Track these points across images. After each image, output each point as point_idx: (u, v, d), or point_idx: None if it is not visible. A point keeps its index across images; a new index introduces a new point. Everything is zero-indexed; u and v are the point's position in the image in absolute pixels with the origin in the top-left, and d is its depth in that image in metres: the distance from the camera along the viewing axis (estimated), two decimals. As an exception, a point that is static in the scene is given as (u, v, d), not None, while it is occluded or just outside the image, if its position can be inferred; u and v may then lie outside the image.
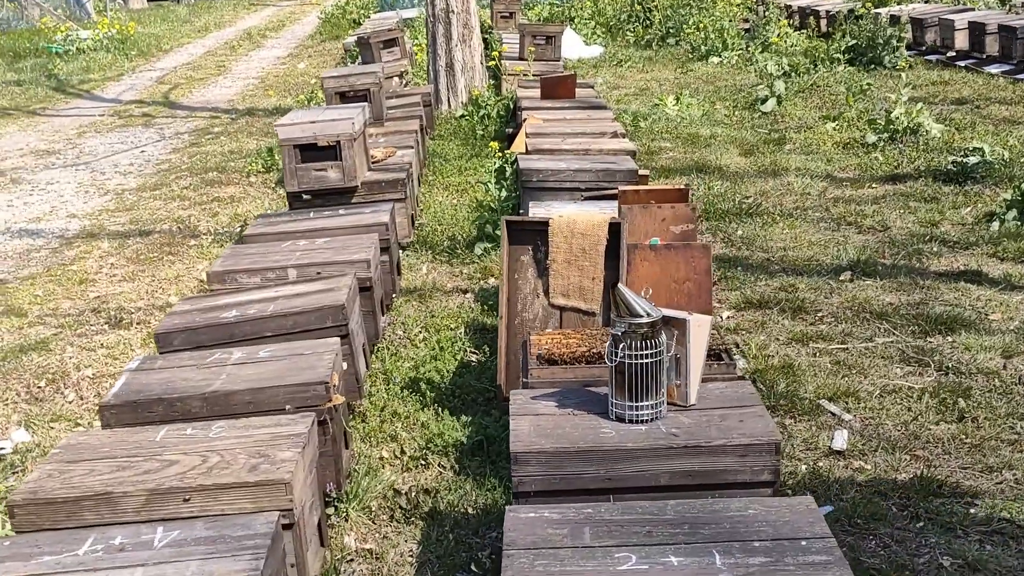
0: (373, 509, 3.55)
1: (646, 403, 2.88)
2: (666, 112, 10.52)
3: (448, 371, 4.58)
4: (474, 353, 4.82)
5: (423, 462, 3.87)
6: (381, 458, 3.91)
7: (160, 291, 6.14)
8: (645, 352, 2.83)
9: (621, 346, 2.83)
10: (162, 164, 9.86)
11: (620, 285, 2.85)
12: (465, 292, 5.78)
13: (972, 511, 3.37)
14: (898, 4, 15.90)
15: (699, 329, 2.96)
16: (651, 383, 2.86)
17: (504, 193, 6.91)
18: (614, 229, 3.87)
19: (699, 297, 3.91)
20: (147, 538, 2.45)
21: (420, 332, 5.13)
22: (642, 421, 2.88)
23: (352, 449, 3.80)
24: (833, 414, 4.10)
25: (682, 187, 4.80)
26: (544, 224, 3.94)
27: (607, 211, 4.76)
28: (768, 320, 5.15)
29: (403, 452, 3.93)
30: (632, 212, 4.53)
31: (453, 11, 10.66)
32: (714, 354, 3.47)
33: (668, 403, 2.96)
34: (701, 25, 15.37)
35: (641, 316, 2.83)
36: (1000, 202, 6.51)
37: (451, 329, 5.11)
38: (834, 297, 5.39)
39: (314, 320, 3.89)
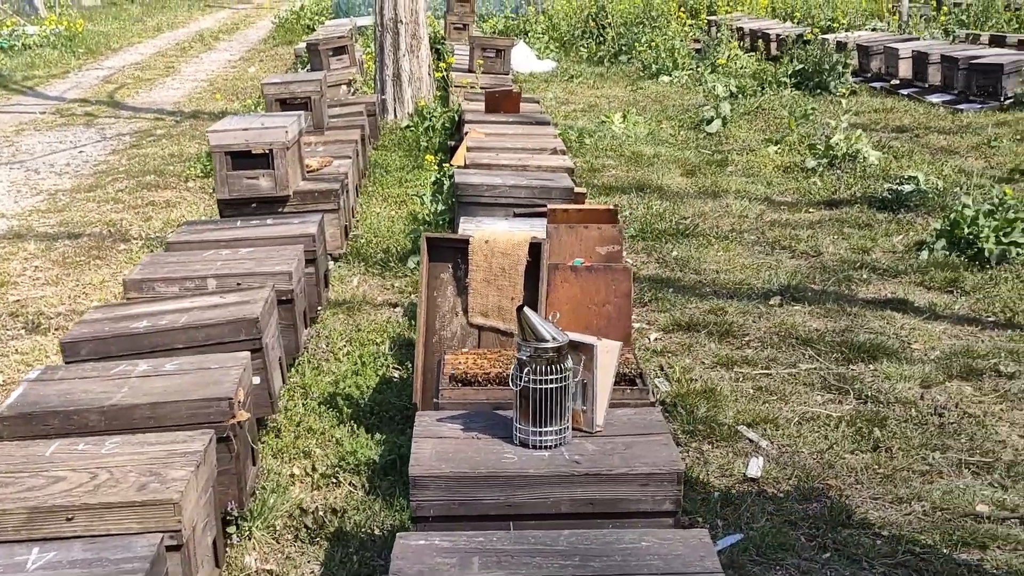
0: (278, 528, 3.48)
1: (550, 428, 2.84)
2: (612, 129, 10.53)
3: (368, 387, 4.52)
4: (397, 369, 4.76)
5: (334, 480, 3.80)
6: (291, 475, 3.84)
7: (83, 296, 6.02)
8: (550, 377, 2.80)
9: (526, 370, 2.79)
10: (100, 165, 9.70)
11: (526, 308, 2.81)
12: (395, 306, 5.72)
13: (879, 543, 3.37)
14: (845, 31, 16.09)
15: (607, 355, 2.93)
16: (556, 408, 2.82)
17: (440, 207, 6.86)
18: (535, 249, 3.83)
19: (619, 320, 3.88)
20: (20, 559, 2.37)
21: (344, 346, 5.07)
22: (546, 447, 2.84)
23: (260, 466, 3.73)
24: (751, 440, 4.09)
25: (611, 208, 4.79)
26: (465, 241, 3.90)
27: (537, 229, 4.72)
28: (695, 343, 5.14)
29: (314, 469, 3.86)
30: (559, 232, 4.51)
31: (402, 21, 10.61)
32: (628, 379, 3.45)
33: (574, 429, 2.92)
34: (653, 44, 15.44)
35: (547, 340, 2.79)
36: (930, 231, 6.57)
37: (376, 344, 5.05)
38: (762, 321, 5.40)
39: (227, 333, 3.81)
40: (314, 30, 18.87)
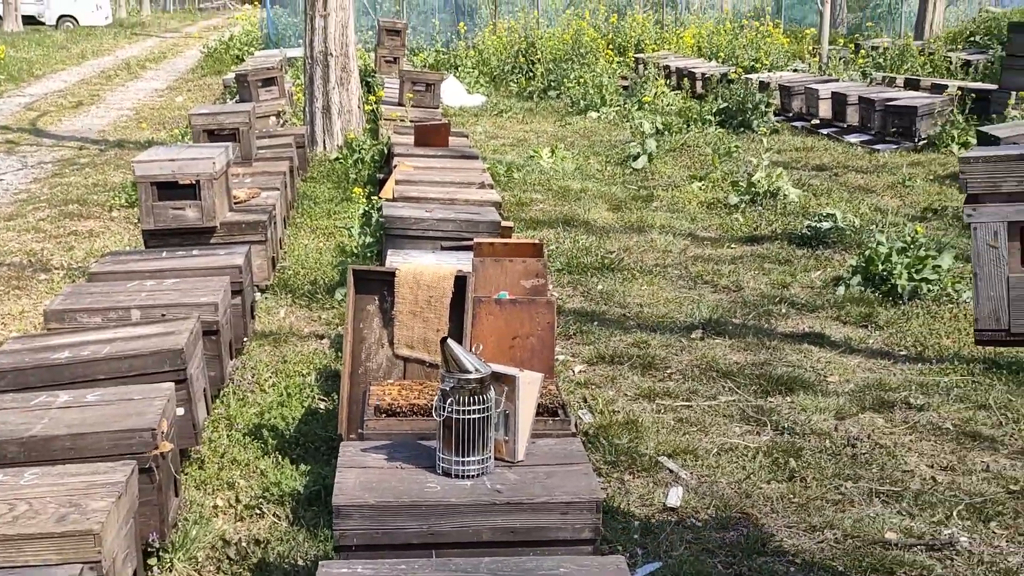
0: (200, 560, 3.47)
1: (473, 458, 2.88)
2: (541, 164, 10.67)
3: (294, 418, 4.53)
4: (323, 400, 4.77)
5: (258, 511, 3.80)
6: (215, 507, 3.83)
7: (2, 328, 5.93)
8: (473, 407, 2.85)
9: (449, 401, 2.84)
10: (20, 194, 9.57)
11: (449, 340, 2.87)
12: (321, 338, 5.73)
13: (792, 570, 3.46)
14: (768, 71, 16.47)
15: (528, 386, 2.99)
16: (478, 438, 2.88)
17: (369, 239, 6.90)
18: (461, 282, 3.89)
19: (542, 352, 3.95)
20: (-63, 590, 2.35)
21: (270, 377, 5.06)
22: (468, 476, 2.89)
23: (182, 497, 3.71)
24: (671, 471, 4.17)
25: (536, 242, 4.87)
26: (391, 274, 3.94)
27: (463, 262, 4.78)
28: (618, 375, 5.23)
29: (238, 500, 3.86)
30: (485, 265, 4.57)
31: (332, 54, 10.66)
32: (551, 410, 3.51)
33: (496, 459, 2.97)
34: (582, 80, 15.66)
35: (470, 372, 2.85)
36: (847, 268, 6.76)
37: (302, 375, 5.06)
38: (684, 354, 5.51)
39: (150, 364, 3.80)
40: (243, 60, 18.82)
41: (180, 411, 3.79)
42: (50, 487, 2.82)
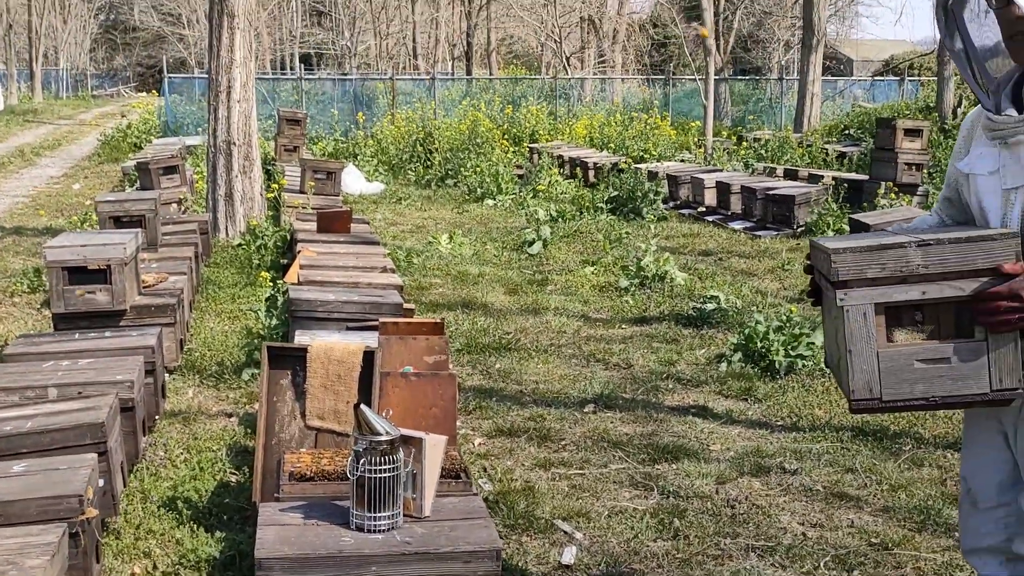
0: (121, 622, 3.64)
1: (384, 514, 3.16)
2: (439, 250, 11.04)
3: (207, 490, 4.72)
4: (234, 474, 4.97)
5: (175, 577, 3.99)
6: (133, 574, 4.00)
7: (-90, 409, 5.98)
8: (384, 467, 3.14)
9: (362, 461, 3.13)
10: (-81, 280, 9.55)
11: (362, 405, 3.16)
12: (230, 416, 5.93)
13: (676, 616, 3.79)
14: (657, 161, 17.24)
15: (434, 448, 3.29)
16: (389, 496, 3.16)
17: (275, 321, 7.13)
18: (368, 357, 4.18)
19: (445, 421, 4.25)
20: None
21: (181, 453, 5.25)
22: (380, 531, 3.16)
23: (103, 564, 3.89)
24: (565, 532, 4.48)
25: (437, 321, 5.19)
26: (303, 350, 4.22)
27: (368, 341, 5.07)
28: (516, 447, 5.54)
29: (155, 568, 4.04)
30: (390, 342, 4.87)
31: (235, 143, 10.94)
32: (454, 473, 3.80)
33: (405, 514, 3.25)
34: (478, 169, 16.18)
35: (380, 434, 3.14)
36: (729, 345, 7.22)
37: (212, 451, 5.25)
38: (578, 427, 5.85)
39: (72, 437, 3.99)
40: (142, 148, 18.95)
41: (101, 482, 3.98)
42: (-14, 548, 3.00)
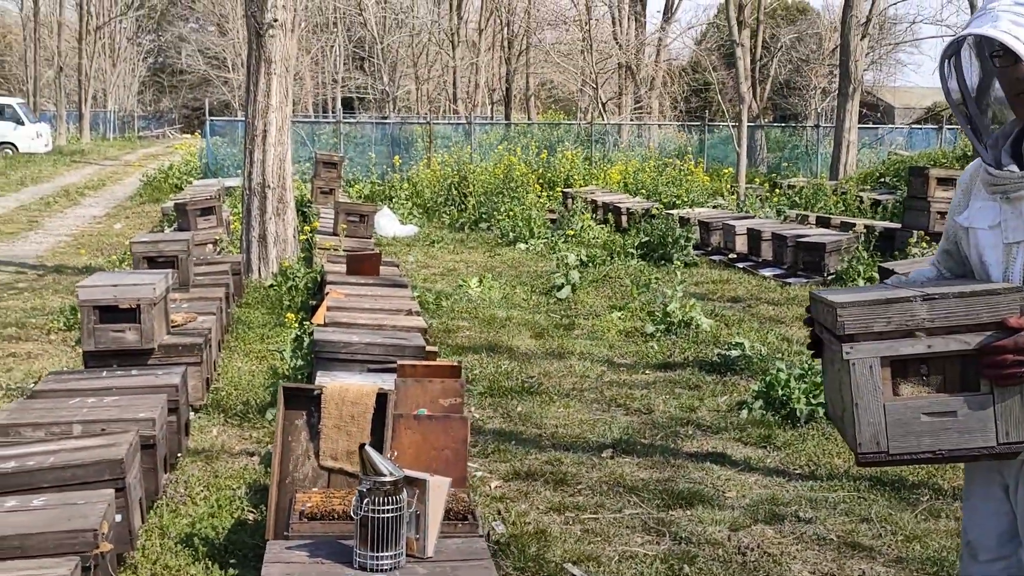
0: (132, 656, 3.72)
1: (387, 553, 3.22)
2: (469, 293, 11.14)
3: (224, 528, 4.81)
4: (251, 512, 5.06)
5: (188, 613, 4.07)
6: (147, 609, 4.09)
7: (-58, 443, 6.13)
8: (387, 507, 3.20)
9: (366, 501, 3.20)
10: (-41, 316, 9.79)
11: (366, 446, 3.23)
12: (252, 455, 6.02)
13: (679, 662, 3.80)
14: (689, 207, 17.29)
15: (437, 490, 3.35)
16: (392, 536, 3.22)
17: (300, 362, 7.24)
18: (381, 399, 4.27)
19: (455, 463, 4.32)
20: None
21: (201, 491, 5.34)
22: (382, 570, 3.22)
23: (118, 598, 3.98)
24: (573, 575, 4.52)
25: (455, 364, 5.27)
26: (319, 391, 4.31)
27: (387, 383, 5.16)
28: (532, 490, 5.59)
29: (169, 603, 4.12)
30: (406, 384, 4.96)
31: (269, 186, 11.14)
32: (461, 515, 3.86)
33: (408, 555, 3.31)
34: (511, 213, 16.32)
35: (384, 475, 3.21)
36: (751, 393, 7.24)
37: (232, 489, 5.34)
38: (594, 472, 5.89)
39: (92, 473, 4.10)
40: (182, 189, 19.29)
41: (118, 517, 4.08)
42: (0, 580, 3.10)
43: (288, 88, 11.32)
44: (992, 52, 2.44)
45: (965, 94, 2.59)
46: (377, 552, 3.22)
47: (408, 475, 3.31)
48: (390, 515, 3.20)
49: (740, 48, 18.11)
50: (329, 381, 5.23)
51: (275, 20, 10.89)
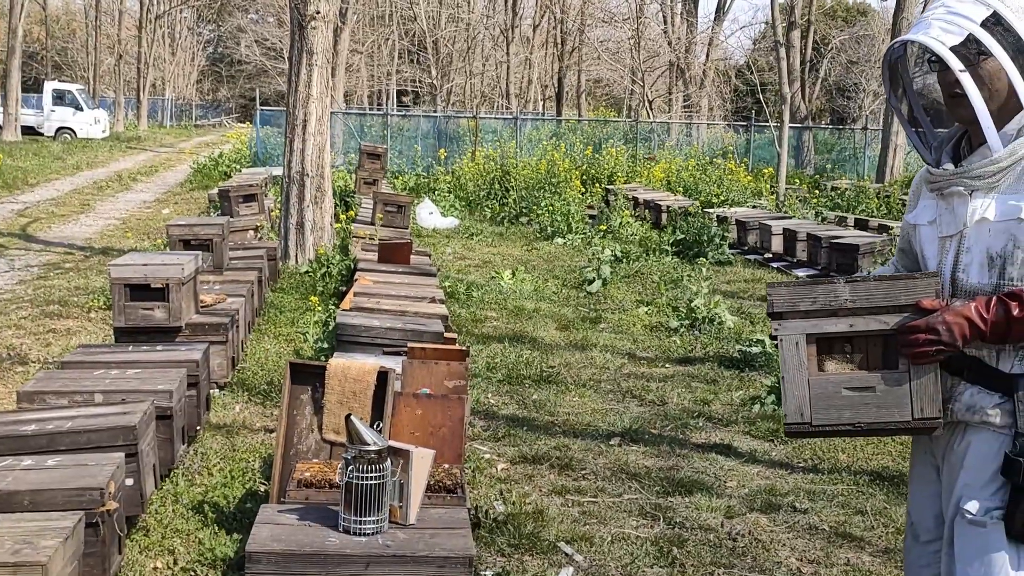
0: (136, 610, 3.94)
1: (369, 519, 3.41)
2: (501, 285, 11.31)
3: (235, 497, 5.02)
4: (263, 483, 5.27)
5: (192, 573, 4.28)
6: (155, 568, 4.31)
7: (-22, 410, 6.43)
8: (371, 475, 3.38)
9: (350, 468, 3.38)
10: (4, 294, 10.14)
11: (352, 416, 3.42)
12: (271, 431, 6.24)
13: (655, 637, 3.95)
14: (728, 206, 17.33)
15: (421, 461, 3.53)
16: (375, 502, 3.40)
17: (325, 345, 7.46)
18: (382, 377, 4.45)
19: (452, 441, 4.49)
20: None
21: (218, 463, 5.56)
22: (365, 534, 3.40)
23: (124, 556, 4.20)
24: (567, 554, 4.67)
25: (462, 348, 5.45)
26: (323, 367, 4.50)
27: (395, 363, 5.35)
28: (537, 474, 5.75)
29: (176, 564, 4.34)
30: (412, 366, 5.15)
31: (308, 174, 11.39)
32: (450, 488, 4.04)
33: (390, 521, 3.49)
34: (551, 207, 16.46)
35: (369, 444, 3.39)
36: (764, 387, 7.33)
37: (247, 462, 5.56)
38: (600, 458, 6.04)
39: (106, 438, 4.32)
40: (230, 176, 19.67)
41: (130, 481, 4.30)
42: (8, 529, 3.33)
43: (327, 80, 11.56)
44: (929, 57, 2.57)
45: (910, 96, 2.73)
46: (360, 516, 3.40)
47: (392, 445, 3.49)
48: (374, 482, 3.38)
49: (783, 48, 18.09)
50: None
51: (317, 12, 11.14)
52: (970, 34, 2.47)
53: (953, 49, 2.47)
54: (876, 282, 2.58)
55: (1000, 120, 2.53)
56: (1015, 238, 2.49)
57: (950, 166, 2.64)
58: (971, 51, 2.48)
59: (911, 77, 2.74)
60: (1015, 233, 2.49)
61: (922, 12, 2.78)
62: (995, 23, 2.48)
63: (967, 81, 2.47)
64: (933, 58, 2.54)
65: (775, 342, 2.68)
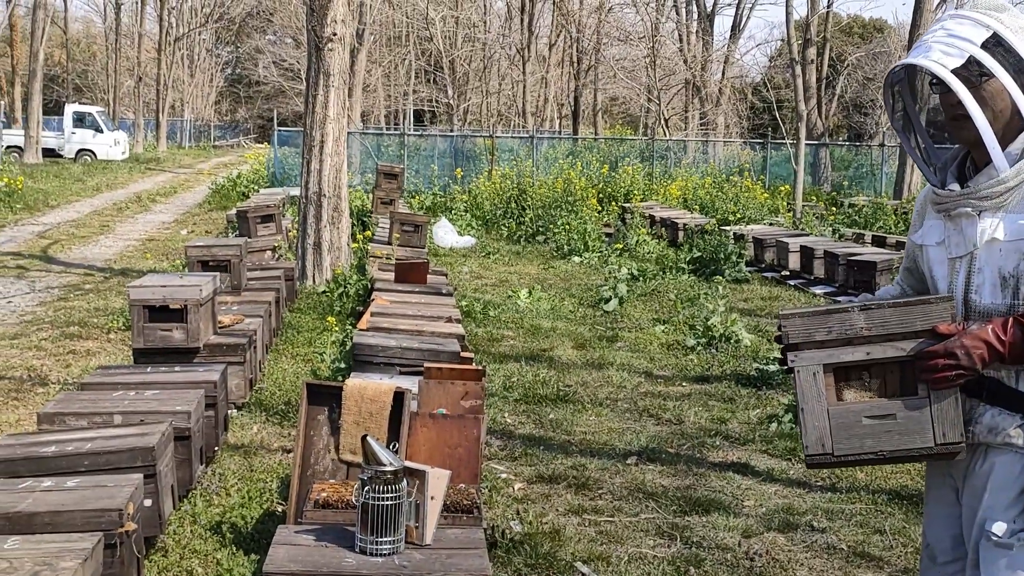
0: (154, 631, 3.96)
1: (386, 539, 3.42)
2: (518, 303, 11.34)
3: (253, 518, 5.04)
4: (280, 504, 5.29)
5: (210, 594, 4.30)
6: (173, 589, 4.34)
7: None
8: (387, 495, 3.40)
9: (367, 489, 3.40)
10: (26, 315, 10.23)
11: (368, 437, 3.43)
12: (289, 451, 6.26)
13: (672, 657, 3.94)
14: (745, 224, 17.31)
15: (437, 481, 3.54)
16: (391, 522, 3.42)
17: (342, 365, 7.49)
18: (399, 397, 4.47)
19: (468, 461, 4.51)
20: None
21: (236, 483, 5.59)
22: (381, 554, 3.42)
23: (144, 576, 4.22)
24: (583, 574, 4.67)
25: (478, 368, 5.46)
26: (340, 388, 4.53)
27: (411, 384, 5.36)
28: (554, 493, 5.75)
29: (194, 585, 4.36)
30: (429, 386, 5.16)
31: (325, 195, 11.46)
32: (467, 509, 4.05)
33: (407, 542, 3.51)
34: (568, 226, 16.49)
35: (385, 465, 3.41)
36: (782, 406, 7.32)
37: (264, 482, 5.59)
38: (617, 478, 6.03)
39: (124, 459, 4.35)
40: (248, 197, 19.78)
41: (148, 502, 4.33)
42: (28, 551, 3.35)
43: (344, 101, 11.64)
44: (931, 80, 2.59)
45: (913, 118, 2.73)
46: (377, 537, 3.41)
47: (408, 466, 3.51)
48: (390, 503, 3.40)
49: (799, 65, 18.10)
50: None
51: (334, 34, 11.22)
52: (971, 56, 2.49)
53: (955, 71, 2.48)
54: (891, 308, 2.57)
55: (1004, 140, 2.54)
56: None
57: (956, 187, 2.64)
58: (973, 73, 2.49)
59: (913, 100, 2.75)
60: None
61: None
62: (995, 44, 2.49)
63: (970, 103, 2.48)
64: (935, 80, 2.55)
65: (789, 373, 2.67)
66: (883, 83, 2.78)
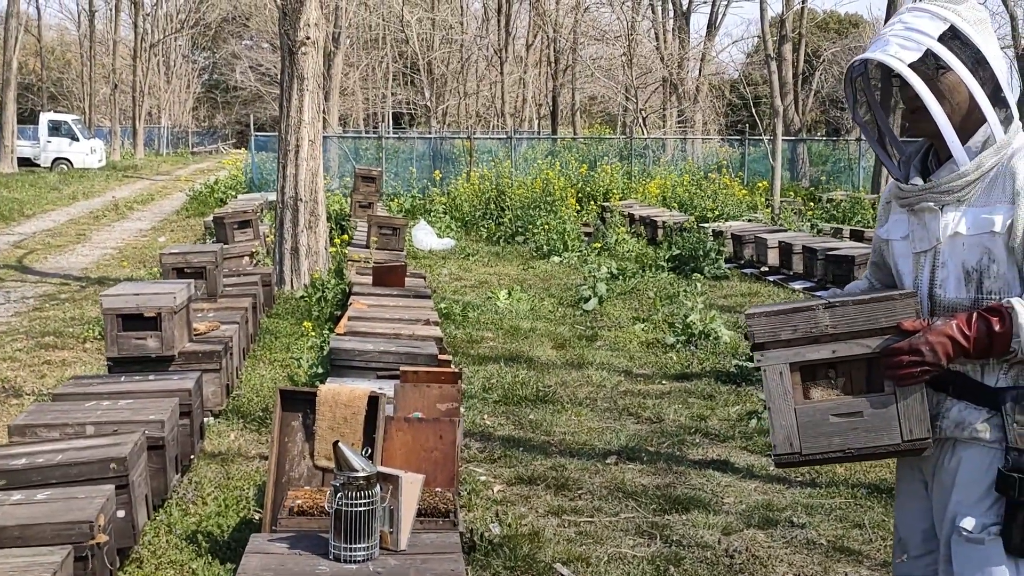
0: (128, 643, 3.91)
1: (360, 546, 3.38)
2: (497, 305, 11.31)
3: (229, 526, 5.00)
4: (257, 511, 5.24)
5: (185, 605, 4.26)
6: (148, 600, 4.29)
7: (-28, 444, 6.41)
8: (360, 501, 3.36)
9: (339, 495, 3.36)
10: (0, 326, 10.13)
11: (340, 443, 3.40)
12: (266, 458, 6.21)
13: (651, 658, 3.92)
14: (723, 221, 17.33)
15: (411, 486, 3.51)
16: (365, 529, 3.38)
17: (320, 370, 7.45)
18: (373, 401, 4.43)
19: (445, 464, 4.48)
20: None
21: (212, 491, 5.54)
22: (355, 561, 3.38)
23: (117, 588, 4.17)
24: (562, 575, 4.65)
25: (454, 371, 5.43)
26: (314, 393, 4.49)
27: (386, 388, 5.33)
28: (533, 494, 5.72)
29: (169, 595, 4.32)
30: (405, 389, 5.13)
31: (302, 199, 11.40)
32: (443, 512, 4.02)
33: (381, 547, 3.47)
34: (547, 226, 16.47)
35: (357, 470, 3.37)
36: (761, 402, 7.31)
37: (241, 490, 5.54)
38: (597, 477, 6.01)
39: (96, 470, 4.30)
40: (226, 203, 19.69)
41: (121, 513, 4.28)
42: (-4, 565, 3.31)
43: (319, 105, 11.59)
44: (891, 74, 2.58)
45: (875, 112, 2.72)
46: (351, 544, 3.38)
47: (381, 471, 3.47)
48: (363, 508, 3.36)
49: (775, 61, 18.13)
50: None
51: (308, 38, 11.17)
52: (928, 49, 2.47)
53: (912, 65, 2.47)
54: (855, 306, 2.56)
55: (964, 133, 2.53)
56: (990, 251, 2.49)
57: (919, 181, 2.63)
58: (930, 66, 2.48)
59: (873, 94, 2.73)
60: (989, 246, 2.49)
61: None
62: (952, 37, 2.48)
63: (928, 97, 2.47)
64: (894, 74, 2.54)
65: (759, 372, 2.65)
66: (844, 79, 2.77)
